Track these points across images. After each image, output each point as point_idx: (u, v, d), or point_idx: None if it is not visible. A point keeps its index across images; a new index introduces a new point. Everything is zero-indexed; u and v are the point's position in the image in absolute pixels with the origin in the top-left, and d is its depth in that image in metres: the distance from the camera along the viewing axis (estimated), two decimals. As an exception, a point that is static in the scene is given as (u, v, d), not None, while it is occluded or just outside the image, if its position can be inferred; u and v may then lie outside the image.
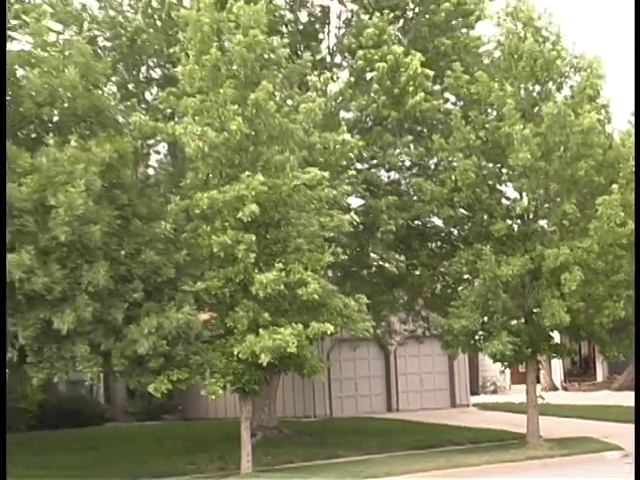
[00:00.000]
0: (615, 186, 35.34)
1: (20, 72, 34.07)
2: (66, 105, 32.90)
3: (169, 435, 43.67)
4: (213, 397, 33.41)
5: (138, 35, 40.34)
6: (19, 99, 33.16)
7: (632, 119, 71.41)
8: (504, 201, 39.03)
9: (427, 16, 40.89)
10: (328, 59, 42.62)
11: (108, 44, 40.45)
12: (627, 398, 54.10)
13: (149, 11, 40.07)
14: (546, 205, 38.24)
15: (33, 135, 33.38)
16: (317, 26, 43.09)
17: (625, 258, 36.36)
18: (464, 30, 41.64)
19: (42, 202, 29.83)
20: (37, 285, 28.98)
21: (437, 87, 40.26)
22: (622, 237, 35.68)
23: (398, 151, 41.15)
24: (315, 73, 38.32)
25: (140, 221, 32.45)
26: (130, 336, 30.17)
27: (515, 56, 38.25)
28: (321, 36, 43.01)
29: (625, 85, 72.98)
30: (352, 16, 41.85)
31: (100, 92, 34.84)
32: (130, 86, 41.59)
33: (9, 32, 35.30)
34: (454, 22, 41.18)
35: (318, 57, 41.42)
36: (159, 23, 40.16)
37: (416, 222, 41.14)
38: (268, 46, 33.45)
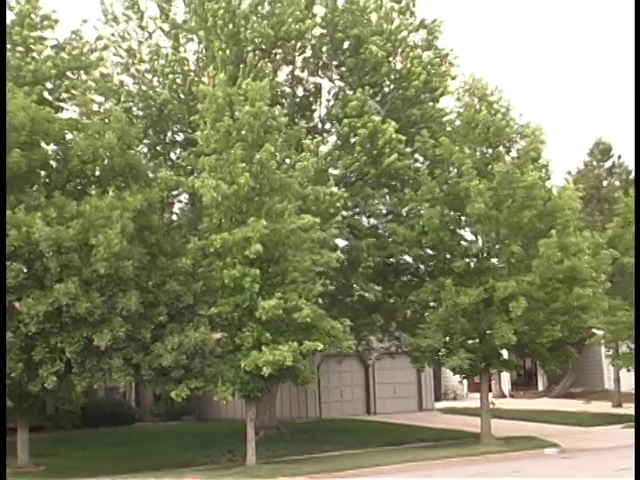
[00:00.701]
0: (553, 231, 34.88)
1: (69, 136, 33.14)
2: (105, 162, 32.06)
3: (188, 432, 42.86)
4: (224, 402, 33.28)
5: (165, 106, 39.27)
6: (67, 157, 32.25)
7: (568, 177, 71.62)
8: (463, 242, 38.15)
9: (400, 91, 40.07)
10: (319, 126, 41.46)
11: (140, 113, 39.31)
12: (563, 404, 53.88)
13: (174, 87, 38.85)
14: (497, 246, 37.52)
15: (79, 187, 32.46)
16: (311, 99, 41.78)
17: (561, 290, 36.10)
18: (431, 103, 40.73)
19: (85, 242, 29.17)
20: (81, 309, 28.37)
21: (408, 149, 39.09)
22: (559, 272, 35.35)
23: (376, 201, 40.35)
24: (309, 137, 37.17)
25: (165, 257, 31.78)
26: (156, 352, 29.50)
27: (472, 125, 37.80)
28: (314, 107, 41.80)
29: (562, 149, 72.66)
30: (339, 91, 40.79)
31: (133, 152, 33.90)
32: (158, 147, 40.70)
33: (61, 103, 34.84)
34: (422, 96, 40.25)
35: (311, 124, 40.26)
36: (182, 96, 39.00)
37: (391, 259, 39.92)
38: (270, 115, 32.67)
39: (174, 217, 40.51)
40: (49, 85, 33.16)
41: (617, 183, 68.85)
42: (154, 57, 40.17)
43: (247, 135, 31.84)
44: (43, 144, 31.90)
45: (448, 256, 37.74)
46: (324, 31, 39.33)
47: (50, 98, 33.18)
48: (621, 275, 47.32)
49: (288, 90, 40.64)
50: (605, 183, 70.62)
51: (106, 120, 33.17)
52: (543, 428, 43.35)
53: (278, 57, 39.22)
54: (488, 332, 36.75)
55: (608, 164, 71.43)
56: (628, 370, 50.51)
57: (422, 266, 39.47)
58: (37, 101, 30.89)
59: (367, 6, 39.90)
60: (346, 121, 37.57)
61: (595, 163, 71.44)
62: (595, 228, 46.31)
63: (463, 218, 37.91)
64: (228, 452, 35.17)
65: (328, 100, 41.14)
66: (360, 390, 53.70)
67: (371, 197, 39.18)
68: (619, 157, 71.37)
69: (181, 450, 37.21)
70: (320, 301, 33.76)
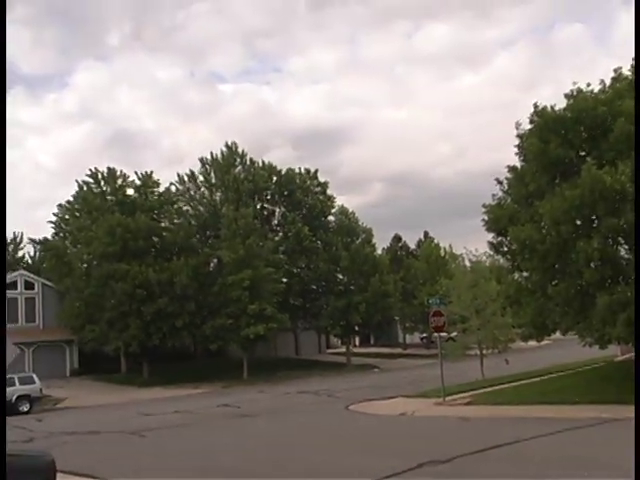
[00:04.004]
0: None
1: (164, 232, 64.69)
2: (179, 245, 63.61)
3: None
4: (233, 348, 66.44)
5: (204, 218, 71.55)
6: (164, 242, 63.25)
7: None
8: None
9: (311, 214, 74.07)
10: (275, 228, 73.30)
11: (194, 222, 70.54)
12: None
13: (209, 210, 71.72)
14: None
15: (168, 256, 62.88)
16: (270, 216, 73.74)
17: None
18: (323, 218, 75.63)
19: (171, 280, 59.74)
20: (168, 309, 59.02)
21: (314, 238, 70.71)
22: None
23: (299, 262, 70.92)
24: (270, 233, 69.70)
25: (206, 286, 62.10)
26: (203, 328, 62.71)
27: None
28: (272, 219, 73.52)
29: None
30: (281, 212, 73.28)
31: (193, 239, 65.79)
32: (200, 236, 70.47)
33: (160, 218, 66.64)
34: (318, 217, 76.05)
35: (272, 225, 72.75)
36: (213, 215, 71.25)
37: (305, 287, 73.72)
38: (252, 224, 63.88)
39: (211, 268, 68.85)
40: (156, 211, 66.34)
41: None
42: (212, 196, 73.10)
43: (242, 233, 62.35)
44: (153, 237, 63.98)
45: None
46: (274, 187, 71.94)
47: (155, 217, 65.81)
48: None
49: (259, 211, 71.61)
50: None
51: (175, 216, 66.69)
52: None
53: (256, 197, 71.23)
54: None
55: None
56: None
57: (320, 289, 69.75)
58: (150, 218, 63.98)
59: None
60: (286, 227, 70.19)
61: None
62: None
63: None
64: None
65: (279, 216, 73.16)
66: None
67: (297, 259, 70.28)
68: None
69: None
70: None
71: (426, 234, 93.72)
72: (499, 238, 32.14)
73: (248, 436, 26.14)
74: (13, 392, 44.71)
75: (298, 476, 17.00)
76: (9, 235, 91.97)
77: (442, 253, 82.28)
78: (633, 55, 27.29)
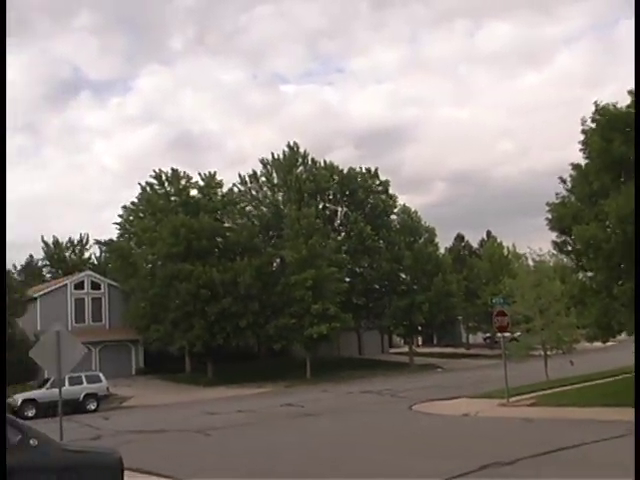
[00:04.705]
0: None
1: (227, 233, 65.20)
2: (242, 245, 63.89)
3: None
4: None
5: (267, 218, 71.69)
6: (227, 243, 63.84)
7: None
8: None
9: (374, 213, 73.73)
10: (337, 227, 73.63)
11: (257, 222, 70.98)
12: None
13: (272, 209, 71.79)
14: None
15: (231, 256, 63.36)
16: (332, 216, 73.62)
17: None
18: (385, 217, 75.04)
19: (235, 280, 60.19)
20: (232, 309, 59.20)
21: (376, 237, 71.07)
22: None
23: (362, 261, 71.03)
24: (333, 232, 70.06)
25: (269, 286, 62.17)
26: (267, 327, 61.81)
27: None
28: (334, 219, 73.65)
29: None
30: (344, 212, 73.58)
31: (256, 240, 65.64)
32: (262, 236, 70.63)
33: (223, 219, 67.00)
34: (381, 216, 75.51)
35: (335, 225, 73.13)
36: (276, 215, 71.05)
37: (368, 286, 72.34)
38: (315, 223, 63.96)
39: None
40: (219, 211, 66.87)
41: None
42: (274, 197, 73.17)
43: (304, 232, 62.56)
44: (217, 238, 64.42)
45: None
46: (336, 186, 72.15)
47: (218, 217, 66.29)
48: None
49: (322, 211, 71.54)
50: None
51: (238, 217, 66.90)
52: None
53: (318, 197, 71.50)
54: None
55: None
56: None
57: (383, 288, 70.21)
58: (213, 218, 64.69)
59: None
60: (348, 226, 70.56)
61: None
62: None
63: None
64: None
65: (342, 215, 73.33)
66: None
67: (360, 259, 70.31)
68: None
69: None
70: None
71: (489, 233, 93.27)
72: (563, 237, 31.85)
73: (311, 435, 26.32)
74: (81, 390, 45.65)
75: (361, 476, 17.09)
76: (76, 237, 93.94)
77: (505, 252, 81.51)
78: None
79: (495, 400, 33.55)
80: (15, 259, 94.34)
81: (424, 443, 22.25)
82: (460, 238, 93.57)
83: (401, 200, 74.71)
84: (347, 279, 67.79)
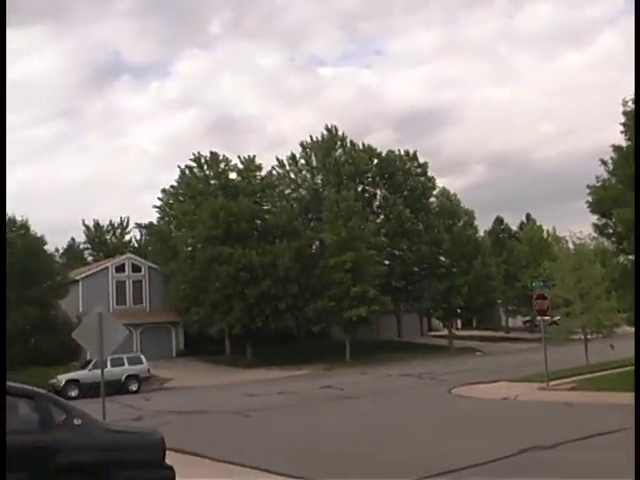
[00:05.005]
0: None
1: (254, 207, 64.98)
2: (282, 227, 64.00)
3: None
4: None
5: (306, 201, 71.22)
6: (266, 226, 64.39)
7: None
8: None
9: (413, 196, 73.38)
10: (375, 210, 73.15)
11: (295, 205, 71.08)
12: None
13: (311, 192, 71.45)
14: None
15: (270, 239, 63.57)
16: (371, 198, 72.95)
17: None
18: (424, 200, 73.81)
19: (274, 262, 60.07)
20: (271, 291, 59.37)
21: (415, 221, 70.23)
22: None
23: (400, 244, 70.39)
24: (372, 215, 69.63)
25: (308, 269, 62.43)
26: (305, 310, 62.46)
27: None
28: (374, 202, 73.10)
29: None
30: (383, 195, 73.49)
31: (295, 223, 65.68)
32: (300, 219, 70.62)
33: (263, 201, 67.33)
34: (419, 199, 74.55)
35: (373, 208, 72.84)
36: (315, 197, 70.56)
37: (407, 270, 71.94)
38: (354, 206, 63.63)
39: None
40: (258, 194, 67.13)
41: None
42: (313, 180, 72.98)
43: (343, 215, 62.41)
44: (256, 220, 64.31)
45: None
46: (375, 169, 71.72)
47: (258, 200, 66.51)
48: None
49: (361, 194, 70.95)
50: None
51: (280, 208, 66.59)
52: None
53: (357, 180, 71.00)
54: None
55: None
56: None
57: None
58: (252, 201, 64.86)
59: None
60: (387, 209, 70.30)
61: None
62: None
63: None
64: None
65: (380, 198, 73.07)
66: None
67: (399, 242, 69.66)
68: None
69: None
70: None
71: (528, 216, 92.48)
72: (604, 220, 31.67)
73: (352, 418, 26.50)
74: (122, 372, 46.24)
75: (401, 457, 17.18)
76: (116, 220, 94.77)
77: (545, 235, 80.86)
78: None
79: (535, 384, 33.48)
80: (57, 242, 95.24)
81: (464, 426, 22.34)
82: (499, 221, 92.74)
83: (440, 183, 74.10)
84: (386, 262, 67.40)
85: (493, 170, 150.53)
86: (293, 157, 73.48)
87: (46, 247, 62.30)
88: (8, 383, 11.91)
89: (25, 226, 60.55)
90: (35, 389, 12.38)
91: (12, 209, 59.49)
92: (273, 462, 17.41)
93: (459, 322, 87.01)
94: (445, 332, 76.57)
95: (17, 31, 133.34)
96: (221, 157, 71.03)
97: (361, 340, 65.12)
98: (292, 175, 73.71)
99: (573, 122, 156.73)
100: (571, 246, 46.53)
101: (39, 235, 60.45)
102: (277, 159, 74.22)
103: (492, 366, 46.98)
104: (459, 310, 72.05)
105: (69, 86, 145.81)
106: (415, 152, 73.18)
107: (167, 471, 11.89)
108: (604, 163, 31.97)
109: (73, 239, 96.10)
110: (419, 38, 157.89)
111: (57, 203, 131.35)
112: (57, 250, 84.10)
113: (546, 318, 35.40)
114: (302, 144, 73.65)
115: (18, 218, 61.32)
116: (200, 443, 20.89)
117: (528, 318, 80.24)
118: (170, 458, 12.39)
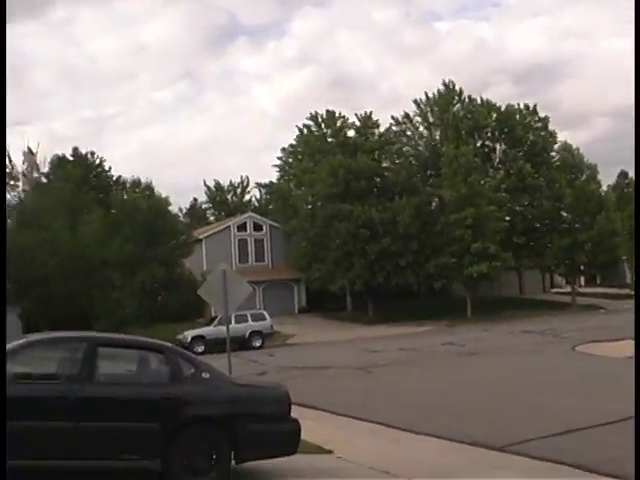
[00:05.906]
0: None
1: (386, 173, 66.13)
2: (400, 185, 64.36)
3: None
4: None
5: (423, 158, 70.83)
6: (385, 184, 64.86)
7: None
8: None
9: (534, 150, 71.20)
10: (496, 165, 71.66)
11: (414, 161, 70.95)
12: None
13: (429, 149, 71.13)
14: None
15: (389, 195, 64.11)
16: (490, 153, 71.08)
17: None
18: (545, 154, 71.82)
19: (394, 219, 59.93)
20: (391, 248, 59.40)
21: (536, 175, 68.29)
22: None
23: (521, 199, 68.98)
24: (491, 170, 69.15)
25: (428, 225, 62.27)
26: (427, 266, 62.78)
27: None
28: (493, 156, 71.45)
29: None
30: (502, 150, 71.28)
31: (414, 179, 65.29)
32: (428, 171, 70.60)
33: (382, 159, 67.57)
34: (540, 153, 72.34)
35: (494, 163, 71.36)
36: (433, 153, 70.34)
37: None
38: (473, 162, 63.07)
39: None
40: (376, 152, 66.79)
41: None
42: (431, 135, 72.47)
43: (463, 171, 61.80)
44: (375, 178, 64.36)
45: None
46: (494, 124, 70.08)
47: (376, 157, 66.36)
48: None
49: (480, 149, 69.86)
50: None
51: (399, 165, 66.67)
52: None
53: (476, 135, 69.97)
54: None
55: None
56: None
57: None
58: (371, 159, 63.99)
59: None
60: (507, 164, 68.85)
61: None
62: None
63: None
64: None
65: (500, 153, 71.31)
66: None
67: (519, 197, 68.11)
68: None
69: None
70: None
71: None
72: None
73: (472, 375, 26.29)
74: (246, 328, 47.12)
75: (514, 415, 17.03)
76: (236, 180, 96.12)
77: (674, 188, 78.02)
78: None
79: (663, 341, 32.42)
80: (180, 202, 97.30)
81: (585, 384, 22.03)
82: (624, 175, 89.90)
83: (561, 137, 72.38)
84: (507, 218, 66.22)
85: (617, 123, 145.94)
86: (407, 115, 72.94)
87: (170, 208, 63.61)
88: (140, 338, 12.22)
89: (150, 187, 61.96)
90: (165, 343, 12.68)
91: (137, 171, 60.68)
92: (397, 418, 17.53)
93: (582, 279, 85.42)
94: (568, 289, 75.17)
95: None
96: (338, 115, 70.68)
97: (482, 297, 64.70)
98: (408, 133, 73.06)
99: None
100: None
101: (163, 196, 61.57)
102: (392, 117, 73.78)
103: (617, 324, 45.69)
104: (582, 267, 70.32)
105: (188, 50, 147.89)
106: (535, 106, 71.47)
107: (292, 424, 12.01)
108: None
109: (195, 199, 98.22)
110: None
111: (179, 164, 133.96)
112: (180, 210, 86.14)
113: (675, 273, 34.21)
114: (416, 101, 72.79)
115: (143, 180, 62.70)
116: (323, 398, 21.28)
117: (656, 274, 77.68)
118: (295, 412, 12.51)
